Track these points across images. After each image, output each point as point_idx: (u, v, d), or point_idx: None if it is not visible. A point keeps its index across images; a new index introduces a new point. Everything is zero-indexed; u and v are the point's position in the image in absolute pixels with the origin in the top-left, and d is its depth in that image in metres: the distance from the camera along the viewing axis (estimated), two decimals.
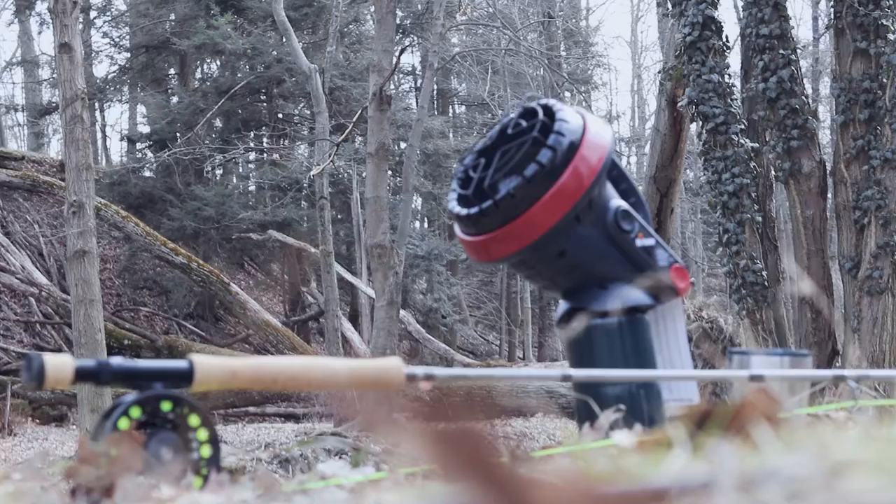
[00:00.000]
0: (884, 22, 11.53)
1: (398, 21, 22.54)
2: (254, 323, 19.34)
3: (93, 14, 26.59)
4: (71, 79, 12.22)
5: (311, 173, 17.75)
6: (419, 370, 1.60)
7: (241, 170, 27.18)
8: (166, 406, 1.46)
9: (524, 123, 2.32)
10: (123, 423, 1.43)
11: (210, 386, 1.51)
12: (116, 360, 1.48)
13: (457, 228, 2.41)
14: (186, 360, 1.51)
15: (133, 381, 1.47)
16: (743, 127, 11.99)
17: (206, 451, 1.47)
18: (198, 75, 26.40)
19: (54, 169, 22.43)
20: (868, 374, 1.82)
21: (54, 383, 1.44)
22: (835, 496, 0.63)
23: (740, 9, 12.69)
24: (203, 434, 1.47)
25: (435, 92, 28.13)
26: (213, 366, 1.51)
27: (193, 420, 1.46)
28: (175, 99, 25.57)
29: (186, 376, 1.49)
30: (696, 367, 2.32)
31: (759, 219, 11.85)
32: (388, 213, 14.71)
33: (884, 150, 11.47)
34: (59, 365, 1.44)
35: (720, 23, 12.08)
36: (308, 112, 23.96)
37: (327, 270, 16.94)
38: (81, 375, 1.45)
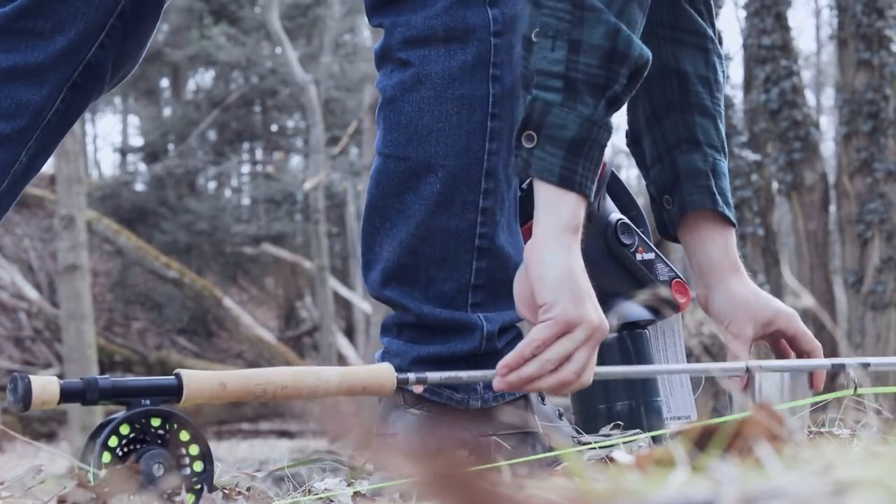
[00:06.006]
0: (887, 32, 11.46)
1: None
2: (247, 338, 19.23)
3: None
4: None
5: (306, 186, 17.64)
6: (411, 374, 1.58)
7: (234, 182, 27.17)
8: (156, 422, 1.46)
9: None
10: (113, 442, 1.44)
11: (199, 400, 1.51)
12: (103, 378, 1.48)
13: None
14: (174, 374, 1.50)
15: (121, 398, 1.47)
16: (744, 139, 11.88)
17: (198, 465, 1.47)
18: (191, 86, 26.41)
19: (45, 182, 22.30)
20: (867, 362, 1.80)
21: (41, 405, 1.44)
22: None
23: (741, 19, 12.58)
24: (194, 449, 1.47)
25: None
26: (201, 379, 1.50)
27: (184, 435, 1.47)
28: (168, 110, 25.54)
29: (175, 391, 1.49)
30: (695, 382, 2.22)
31: (761, 232, 11.76)
32: None
33: (887, 162, 11.40)
34: (46, 386, 1.44)
35: (720, 33, 11.95)
36: (303, 124, 23.91)
37: (322, 285, 16.84)
38: (68, 395, 1.45)
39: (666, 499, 0.68)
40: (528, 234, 2.06)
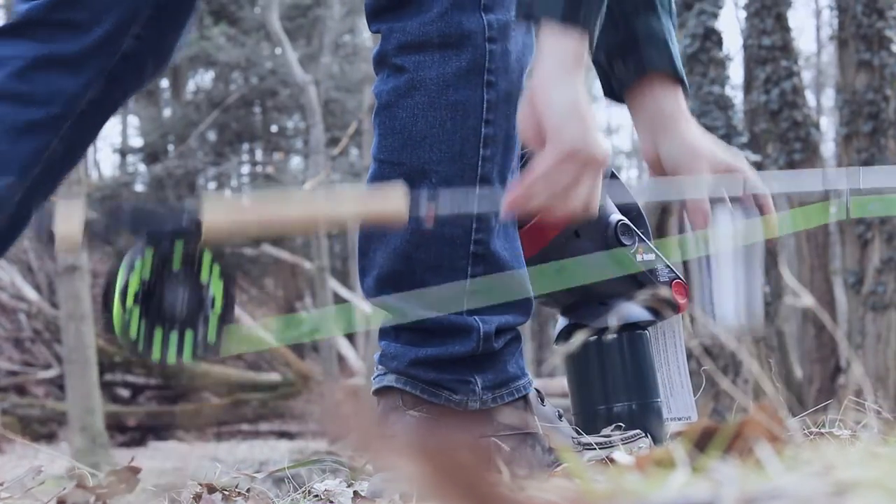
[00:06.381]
0: (887, 33, 11.46)
1: None
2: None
3: None
4: None
5: (306, 187, 17.62)
6: (423, 196, 1.58)
7: (234, 183, 27.18)
8: (178, 249, 1.47)
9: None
10: (134, 281, 1.44)
11: (220, 229, 1.49)
12: (126, 205, 1.50)
13: None
14: (193, 204, 1.49)
15: (141, 227, 1.48)
16: (745, 140, 11.88)
17: (218, 291, 1.48)
18: (191, 87, 26.41)
19: None
20: (860, 187, 1.83)
21: (65, 238, 1.42)
22: None
23: (742, 20, 12.58)
24: (217, 276, 1.49)
25: None
26: (221, 209, 1.50)
27: (206, 259, 1.48)
28: (168, 111, 25.55)
29: (194, 225, 1.48)
30: (695, 384, 2.22)
31: None
32: None
33: (888, 163, 11.38)
34: (69, 217, 1.42)
35: (721, 34, 11.97)
36: (302, 124, 23.92)
37: (322, 286, 16.82)
38: (93, 229, 1.45)
39: (666, 500, 0.68)
40: (526, 237, 2.06)
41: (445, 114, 1.75)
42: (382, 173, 1.78)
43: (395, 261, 1.77)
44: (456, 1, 1.74)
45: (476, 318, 1.77)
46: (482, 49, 1.75)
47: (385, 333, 1.82)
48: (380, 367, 1.81)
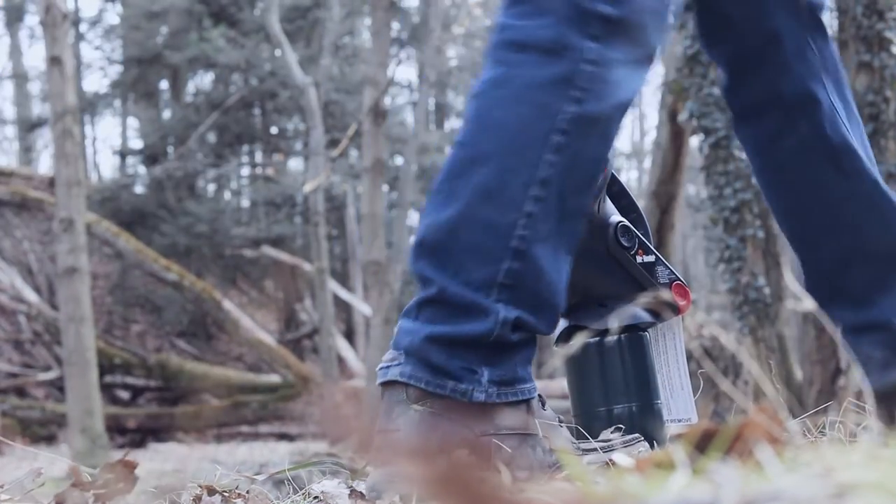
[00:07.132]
0: (888, 34, 11.44)
1: (394, 34, 22.50)
2: (247, 341, 19.23)
3: (85, 27, 26.57)
4: (61, 92, 12.12)
5: (305, 189, 17.64)
6: None
7: (234, 185, 27.19)
8: None
9: None
10: None
11: None
12: None
13: None
14: None
15: None
16: None
17: None
18: (190, 89, 26.43)
19: (44, 184, 22.30)
20: None
21: None
22: None
23: None
24: None
25: (433, 106, 28.10)
26: None
27: None
28: (167, 113, 25.56)
29: None
30: (695, 385, 2.22)
31: (762, 235, 11.73)
32: (384, 229, 14.60)
33: (888, 164, 11.37)
34: None
35: None
36: (302, 126, 23.93)
37: (322, 287, 16.83)
38: None
39: (666, 501, 0.68)
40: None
41: (523, 109, 1.80)
42: (454, 154, 1.84)
43: (440, 232, 1.81)
44: (570, 16, 1.81)
45: (500, 304, 1.78)
46: (577, 65, 1.81)
47: (407, 312, 1.84)
48: (391, 351, 1.82)
